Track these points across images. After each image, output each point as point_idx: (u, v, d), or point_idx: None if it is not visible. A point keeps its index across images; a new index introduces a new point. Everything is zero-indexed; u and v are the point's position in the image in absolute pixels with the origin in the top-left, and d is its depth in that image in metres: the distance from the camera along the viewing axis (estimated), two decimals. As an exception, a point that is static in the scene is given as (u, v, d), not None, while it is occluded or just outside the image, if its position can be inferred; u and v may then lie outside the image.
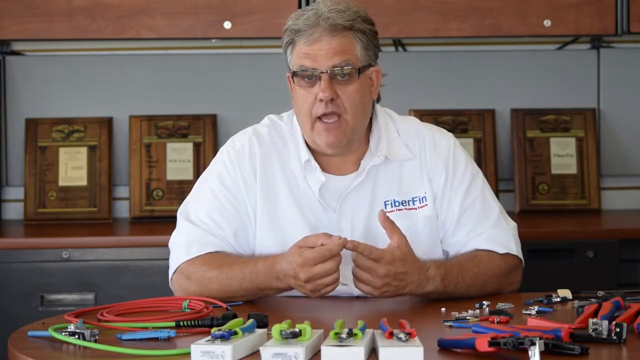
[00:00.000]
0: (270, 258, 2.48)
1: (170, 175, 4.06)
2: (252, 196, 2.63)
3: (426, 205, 2.64)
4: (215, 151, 3.90)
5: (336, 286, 2.41)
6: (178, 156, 4.07)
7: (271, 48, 4.08)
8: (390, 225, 2.46)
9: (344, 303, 2.50)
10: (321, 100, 2.54)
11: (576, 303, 2.37)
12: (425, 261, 2.49)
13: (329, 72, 2.54)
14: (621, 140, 4.19)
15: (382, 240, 2.52)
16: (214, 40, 4.07)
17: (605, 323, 2.01)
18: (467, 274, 2.54)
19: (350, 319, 2.11)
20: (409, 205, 2.64)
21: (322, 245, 2.38)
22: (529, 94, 4.17)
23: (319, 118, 2.56)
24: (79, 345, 2.05)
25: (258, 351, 1.91)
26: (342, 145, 2.59)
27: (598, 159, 4.14)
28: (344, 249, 2.39)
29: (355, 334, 1.94)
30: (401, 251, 2.43)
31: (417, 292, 2.47)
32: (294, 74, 2.58)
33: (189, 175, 4.04)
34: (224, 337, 1.92)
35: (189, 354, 1.90)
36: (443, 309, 2.38)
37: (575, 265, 3.63)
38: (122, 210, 4.11)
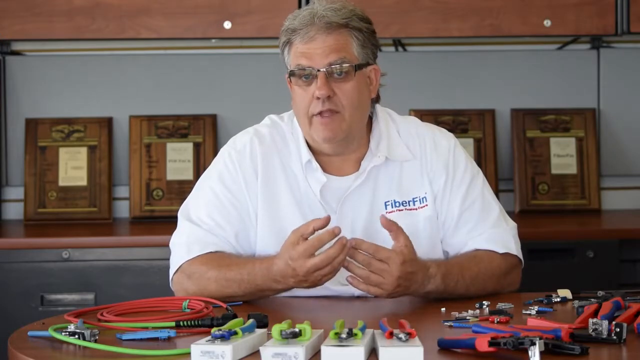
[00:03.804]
0: (267, 260, 2.47)
1: (170, 175, 4.06)
2: (253, 196, 2.63)
3: (426, 205, 2.64)
4: (215, 151, 3.90)
5: (334, 275, 2.40)
6: (178, 156, 4.07)
7: (271, 48, 4.07)
8: (394, 226, 2.44)
9: (344, 303, 2.50)
10: (318, 98, 2.54)
11: (576, 303, 2.37)
12: (426, 260, 2.49)
13: (325, 70, 2.54)
14: (621, 140, 4.19)
15: (382, 241, 2.52)
16: (213, 40, 4.07)
17: (605, 323, 2.01)
18: (467, 273, 2.54)
19: (350, 319, 2.11)
20: (409, 205, 2.64)
21: (313, 229, 2.37)
22: (529, 94, 4.17)
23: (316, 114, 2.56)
24: (79, 345, 2.05)
25: (258, 351, 1.91)
26: (338, 140, 2.58)
27: (598, 159, 4.14)
28: (348, 247, 2.38)
29: (355, 334, 1.93)
30: (409, 251, 2.42)
31: (419, 290, 2.46)
32: (291, 73, 2.58)
33: (189, 175, 4.04)
34: (224, 337, 1.92)
35: (189, 354, 1.90)
36: (443, 309, 2.38)
37: (575, 265, 3.63)
38: (122, 210, 4.11)
